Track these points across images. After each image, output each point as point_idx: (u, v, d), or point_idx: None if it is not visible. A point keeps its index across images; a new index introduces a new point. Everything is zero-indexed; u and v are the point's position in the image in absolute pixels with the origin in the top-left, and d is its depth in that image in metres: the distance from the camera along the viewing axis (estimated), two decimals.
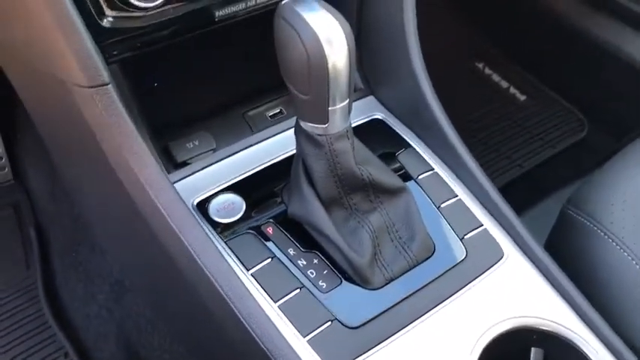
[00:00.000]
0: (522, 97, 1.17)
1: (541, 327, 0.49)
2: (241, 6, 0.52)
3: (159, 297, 0.73)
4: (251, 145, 0.57)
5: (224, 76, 0.61)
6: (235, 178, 0.54)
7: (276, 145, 0.57)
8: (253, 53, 0.58)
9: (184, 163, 0.56)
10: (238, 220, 0.51)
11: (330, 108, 0.45)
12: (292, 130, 0.51)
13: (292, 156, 0.53)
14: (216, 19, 0.51)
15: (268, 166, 0.56)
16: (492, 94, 1.18)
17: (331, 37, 0.43)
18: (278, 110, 0.62)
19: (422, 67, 0.57)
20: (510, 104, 1.16)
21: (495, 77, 1.20)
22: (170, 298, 0.65)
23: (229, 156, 0.56)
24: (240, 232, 0.50)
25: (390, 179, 0.51)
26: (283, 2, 0.44)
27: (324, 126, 0.46)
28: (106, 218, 0.70)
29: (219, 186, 0.53)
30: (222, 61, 0.61)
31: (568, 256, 0.56)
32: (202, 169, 0.55)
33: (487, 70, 1.21)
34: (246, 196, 0.53)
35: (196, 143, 0.57)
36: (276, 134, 0.58)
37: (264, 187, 0.54)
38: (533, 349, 0.50)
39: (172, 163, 0.56)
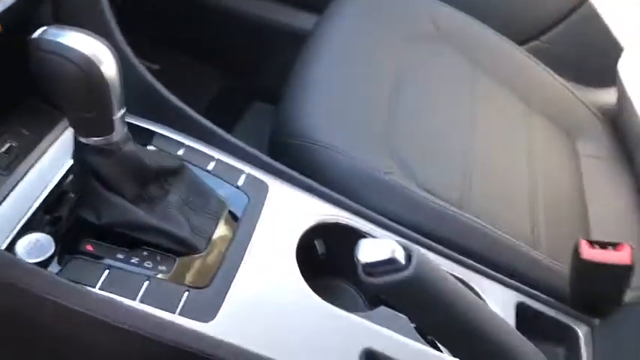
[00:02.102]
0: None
1: (322, 222, 0.65)
2: None
3: None
4: (13, 188, 0.56)
5: None
6: (21, 220, 0.54)
7: (35, 178, 0.58)
8: None
9: None
10: (54, 252, 0.52)
11: (114, 117, 0.50)
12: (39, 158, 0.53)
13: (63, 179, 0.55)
14: None
15: (43, 201, 0.56)
16: None
17: (97, 52, 0.47)
18: (8, 146, 0.61)
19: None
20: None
21: None
22: None
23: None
24: (63, 261, 0.52)
25: (171, 162, 0.59)
26: (34, 36, 0.47)
27: (111, 135, 0.51)
28: None
29: (12, 231, 0.52)
30: None
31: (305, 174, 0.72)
32: None
33: None
34: (45, 229, 0.53)
35: None
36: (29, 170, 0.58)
37: (56, 214, 0.55)
38: (316, 241, 0.66)
39: None
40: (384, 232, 0.67)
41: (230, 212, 0.62)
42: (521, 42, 1.14)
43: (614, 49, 1.12)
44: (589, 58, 1.18)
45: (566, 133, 1.05)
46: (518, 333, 0.49)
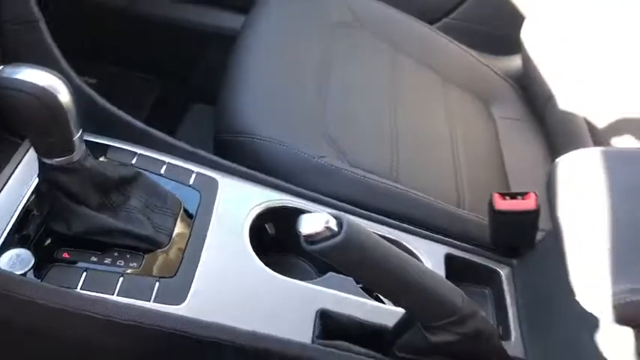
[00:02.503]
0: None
1: (269, 207, 0.73)
2: None
3: None
4: None
5: None
6: None
7: (5, 201, 0.63)
8: None
9: None
10: (33, 264, 0.59)
11: (74, 138, 0.57)
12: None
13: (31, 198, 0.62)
14: None
15: (17, 219, 0.62)
16: None
17: (52, 83, 0.54)
18: None
19: None
20: None
21: None
22: None
23: None
24: (44, 270, 0.58)
25: (127, 171, 0.66)
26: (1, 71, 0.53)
27: (72, 154, 0.58)
28: None
29: None
30: None
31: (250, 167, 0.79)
32: None
33: None
34: (24, 244, 0.60)
35: None
36: None
37: (24, 232, 0.61)
38: (266, 225, 0.74)
39: None
40: (324, 208, 0.76)
41: (185, 209, 0.69)
42: (431, 21, 1.25)
43: (517, 19, 1.23)
44: (495, 29, 1.29)
45: (481, 100, 1.17)
46: (444, 279, 0.59)
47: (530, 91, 1.20)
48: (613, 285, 0.53)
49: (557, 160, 0.65)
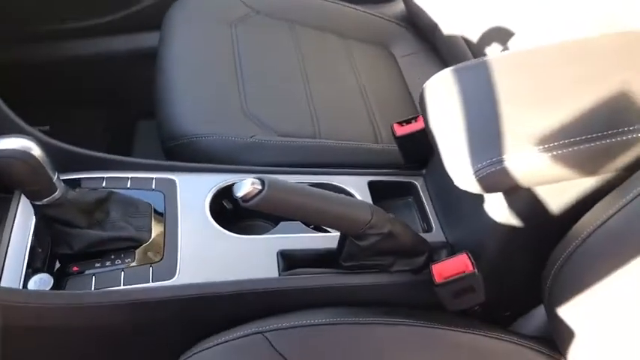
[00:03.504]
0: None
1: (222, 187, 0.91)
2: None
3: None
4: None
5: None
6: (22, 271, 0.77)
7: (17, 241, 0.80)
8: None
9: None
10: (54, 283, 0.76)
11: (54, 181, 0.73)
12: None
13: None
14: None
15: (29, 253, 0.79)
16: None
17: (25, 145, 0.69)
18: None
19: None
20: None
21: None
22: None
23: None
24: (62, 284, 0.76)
25: (101, 193, 0.83)
26: None
27: (55, 193, 0.74)
28: None
29: (19, 278, 0.75)
30: None
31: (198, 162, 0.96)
32: None
33: None
34: (40, 271, 0.77)
35: None
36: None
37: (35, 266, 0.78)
38: (223, 201, 0.92)
39: None
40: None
41: (155, 209, 0.86)
42: None
43: None
44: None
45: (379, 46, 1.34)
46: (352, 199, 0.78)
47: (418, 27, 1.38)
48: (472, 165, 0.71)
49: (424, 85, 0.84)
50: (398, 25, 1.39)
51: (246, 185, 0.65)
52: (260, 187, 0.65)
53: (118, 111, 1.47)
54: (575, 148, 0.70)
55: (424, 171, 0.99)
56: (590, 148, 0.70)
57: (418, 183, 0.98)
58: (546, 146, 0.70)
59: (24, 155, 0.68)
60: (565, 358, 0.81)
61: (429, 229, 0.92)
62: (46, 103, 1.37)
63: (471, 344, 0.81)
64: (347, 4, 1.36)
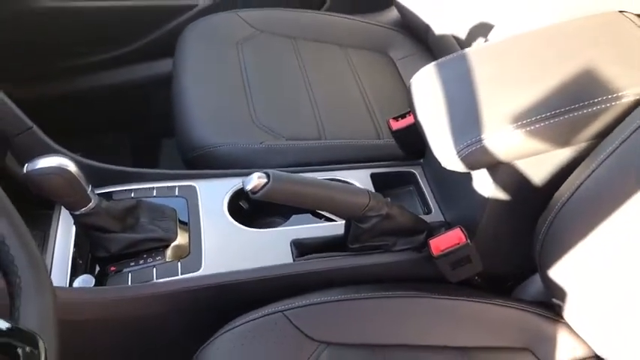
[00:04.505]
0: None
1: (238, 189, 1.00)
2: None
3: None
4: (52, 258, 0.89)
5: None
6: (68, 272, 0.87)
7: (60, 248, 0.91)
8: None
9: None
10: (95, 282, 0.86)
11: (88, 192, 0.84)
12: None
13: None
14: None
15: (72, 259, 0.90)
16: None
17: (62, 163, 0.80)
18: None
19: None
20: None
21: None
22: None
23: None
24: (103, 283, 0.86)
25: (131, 202, 0.92)
26: (27, 170, 0.79)
27: (90, 203, 0.85)
28: None
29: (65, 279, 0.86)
30: None
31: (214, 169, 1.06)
32: None
33: None
34: (84, 272, 0.87)
35: None
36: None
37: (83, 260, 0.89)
38: (240, 202, 1.02)
39: None
40: None
41: (179, 213, 0.96)
42: (318, 7, 1.52)
43: None
44: None
45: (377, 51, 1.43)
46: (350, 186, 0.86)
47: (412, 31, 1.47)
48: (455, 146, 0.80)
49: (410, 80, 0.93)
50: (394, 30, 1.48)
51: (253, 179, 0.75)
52: (266, 180, 0.75)
53: (140, 132, 1.59)
54: (546, 122, 0.78)
55: (422, 160, 1.08)
56: (560, 121, 0.78)
57: (417, 172, 1.07)
58: (520, 123, 0.78)
59: (61, 171, 0.78)
60: (563, 317, 0.89)
61: (428, 212, 1.00)
62: (77, 131, 1.49)
63: (475, 312, 0.89)
64: (344, 15, 1.45)
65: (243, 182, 0.76)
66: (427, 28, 1.38)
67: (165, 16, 1.48)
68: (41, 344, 0.49)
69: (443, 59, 0.92)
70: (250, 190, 0.75)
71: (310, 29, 1.41)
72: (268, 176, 0.75)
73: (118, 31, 1.47)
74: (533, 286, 0.98)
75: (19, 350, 0.47)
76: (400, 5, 1.45)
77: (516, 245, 0.91)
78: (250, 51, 1.32)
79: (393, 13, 1.54)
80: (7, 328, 0.48)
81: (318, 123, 1.17)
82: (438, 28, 1.34)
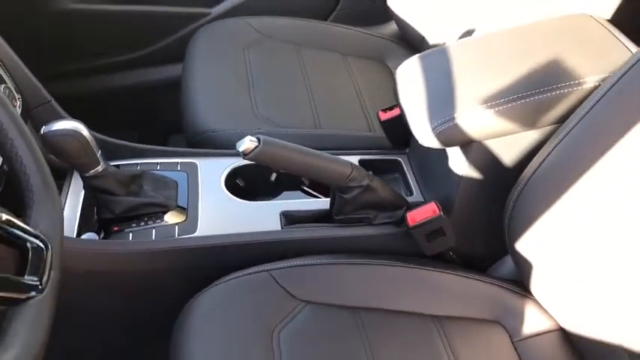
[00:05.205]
0: None
1: (235, 167, 1.09)
2: None
3: None
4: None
5: None
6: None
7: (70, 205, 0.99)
8: None
9: None
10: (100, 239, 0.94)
11: (97, 156, 0.92)
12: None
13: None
14: None
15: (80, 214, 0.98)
16: None
17: (76, 126, 0.89)
18: None
19: None
20: None
21: None
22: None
23: None
24: (109, 238, 0.94)
25: (136, 171, 1.01)
26: (44, 131, 0.88)
27: (99, 166, 0.93)
28: None
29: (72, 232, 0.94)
30: None
31: None
32: None
33: None
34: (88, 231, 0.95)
35: None
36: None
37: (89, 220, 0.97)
38: (237, 180, 1.10)
39: None
40: None
41: (179, 184, 1.05)
42: (324, 18, 1.63)
43: None
44: (371, 8, 1.67)
45: (376, 60, 1.53)
46: (335, 157, 0.93)
47: (408, 42, 1.56)
48: (430, 123, 0.88)
49: (396, 70, 1.01)
50: (392, 42, 1.58)
51: (245, 142, 0.83)
52: (257, 143, 0.83)
53: (150, 131, 1.68)
54: (514, 103, 0.86)
55: (408, 149, 1.16)
56: (526, 103, 0.86)
57: (402, 160, 1.15)
58: (490, 104, 0.86)
59: (75, 134, 0.87)
60: (531, 293, 0.95)
61: (410, 194, 1.08)
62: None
63: (449, 284, 0.96)
64: (347, 26, 1.56)
65: (236, 145, 0.84)
66: (422, 39, 1.48)
67: (180, 22, 1.59)
68: (48, 244, 0.57)
69: (425, 52, 1.01)
70: (242, 151, 0.83)
71: (314, 37, 1.51)
72: (259, 140, 0.83)
73: (134, 35, 1.58)
74: (506, 266, 1.04)
75: (29, 244, 0.55)
76: (398, 19, 1.55)
77: (490, 224, 0.98)
78: (256, 53, 1.42)
79: (392, 27, 1.63)
80: (20, 226, 0.56)
81: (313, 114, 1.25)
82: (432, 39, 1.44)
